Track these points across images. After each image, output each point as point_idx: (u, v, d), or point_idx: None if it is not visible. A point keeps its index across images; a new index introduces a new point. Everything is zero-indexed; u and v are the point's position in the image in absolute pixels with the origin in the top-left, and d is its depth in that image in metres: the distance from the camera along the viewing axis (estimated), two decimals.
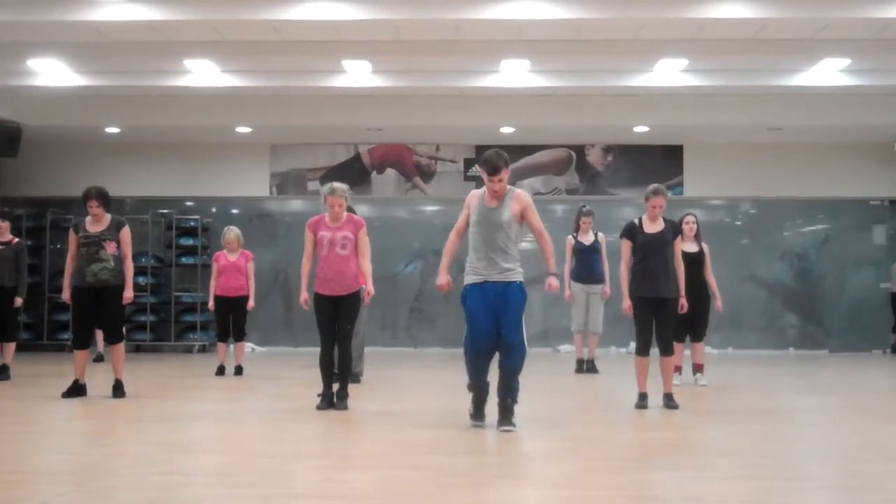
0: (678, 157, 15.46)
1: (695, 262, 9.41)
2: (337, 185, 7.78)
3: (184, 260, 15.21)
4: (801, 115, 13.70)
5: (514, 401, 6.64)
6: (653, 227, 7.94)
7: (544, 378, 10.54)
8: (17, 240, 10.31)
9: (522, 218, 6.72)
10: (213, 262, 11.02)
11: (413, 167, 15.60)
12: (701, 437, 6.76)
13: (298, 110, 13.85)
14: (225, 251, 10.93)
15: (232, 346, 10.98)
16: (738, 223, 15.75)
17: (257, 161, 15.61)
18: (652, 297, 7.81)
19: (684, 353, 9.61)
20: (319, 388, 7.82)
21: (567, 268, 11.15)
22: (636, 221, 8.02)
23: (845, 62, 11.87)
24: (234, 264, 10.82)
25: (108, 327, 8.52)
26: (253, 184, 15.61)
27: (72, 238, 8.51)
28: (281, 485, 4.81)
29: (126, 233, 8.50)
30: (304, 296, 7.76)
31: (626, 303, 7.89)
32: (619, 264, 8.06)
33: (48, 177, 15.47)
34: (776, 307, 15.46)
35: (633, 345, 8.34)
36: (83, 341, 8.54)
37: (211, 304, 10.94)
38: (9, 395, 8.93)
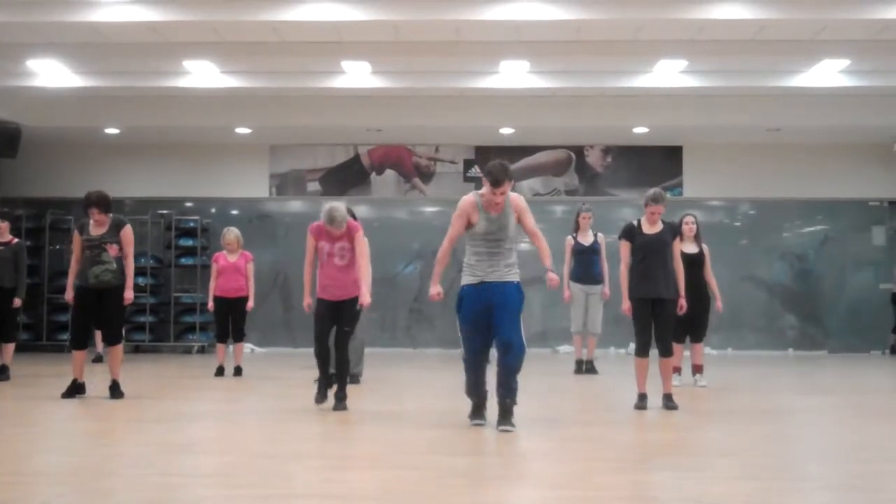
0: (677, 158, 15.47)
1: (694, 263, 9.41)
2: (337, 214, 7.61)
3: (183, 261, 15.22)
4: (801, 115, 13.71)
5: (514, 401, 6.63)
6: (652, 228, 7.96)
7: (543, 379, 10.54)
8: (16, 240, 10.31)
9: (518, 221, 6.75)
10: (212, 263, 11.02)
11: (412, 168, 15.61)
12: (700, 437, 6.76)
13: (298, 111, 13.85)
14: (224, 252, 10.93)
15: (231, 347, 10.98)
16: (738, 224, 15.76)
17: (257, 162, 15.61)
18: (651, 298, 7.82)
19: (684, 353, 9.62)
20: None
21: (566, 268, 11.15)
22: (635, 223, 8.04)
23: (845, 63, 11.88)
24: (233, 265, 10.82)
25: (107, 328, 8.52)
26: (252, 185, 15.61)
27: (76, 239, 8.51)
28: (280, 485, 4.81)
29: (127, 232, 8.48)
30: (308, 300, 7.84)
31: (626, 304, 7.90)
32: (618, 265, 8.06)
33: (48, 177, 15.47)
34: (775, 308, 15.47)
35: (632, 346, 8.34)
36: (81, 342, 8.54)
37: (210, 304, 10.94)
38: (8, 396, 8.92)
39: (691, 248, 9.53)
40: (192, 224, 15.18)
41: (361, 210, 14.75)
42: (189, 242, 15.17)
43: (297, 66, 12.21)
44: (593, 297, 11.17)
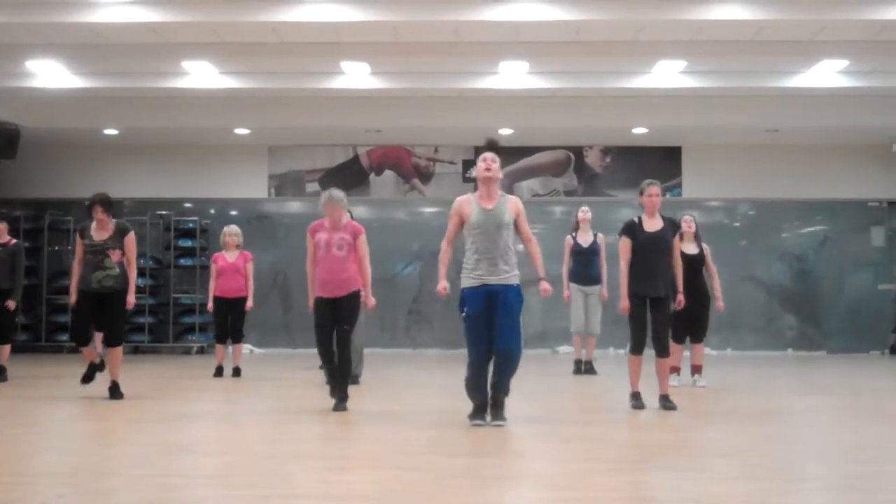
0: (677, 159, 15.48)
1: (694, 264, 9.42)
2: (335, 192, 7.82)
3: (182, 262, 15.21)
4: (800, 116, 13.72)
5: (506, 393, 6.83)
6: (652, 225, 7.90)
7: (543, 379, 10.55)
8: (14, 241, 10.30)
9: (515, 222, 6.79)
10: (211, 264, 11.01)
11: (411, 169, 15.61)
12: (699, 437, 6.77)
13: (297, 112, 13.86)
14: (224, 252, 10.92)
15: (230, 348, 10.97)
16: (737, 224, 15.76)
17: (256, 163, 15.61)
18: (649, 297, 7.81)
19: (683, 354, 9.62)
20: (317, 389, 7.82)
21: (565, 268, 11.15)
22: (636, 220, 7.99)
23: (843, 64, 11.89)
24: (233, 265, 10.82)
25: (108, 330, 8.52)
26: (251, 185, 15.62)
27: (79, 243, 8.52)
28: (280, 486, 4.81)
29: (130, 239, 8.53)
30: (312, 302, 7.83)
31: (624, 303, 7.86)
32: (617, 266, 8.04)
33: (47, 178, 15.46)
34: (774, 308, 15.48)
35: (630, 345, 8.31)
36: (84, 339, 8.56)
37: (210, 305, 10.93)
38: (7, 397, 8.92)
39: (691, 249, 9.53)
40: (191, 225, 15.18)
41: (361, 211, 14.79)
42: (188, 243, 15.17)
43: (296, 66, 12.21)
44: (592, 297, 11.16)
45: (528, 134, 14.63)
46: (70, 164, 15.44)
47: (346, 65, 11.91)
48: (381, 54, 11.43)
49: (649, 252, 7.82)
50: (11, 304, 10.04)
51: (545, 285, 6.76)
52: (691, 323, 9.33)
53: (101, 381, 8.85)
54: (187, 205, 15.61)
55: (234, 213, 15.49)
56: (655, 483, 5.10)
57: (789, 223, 15.69)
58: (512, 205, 6.79)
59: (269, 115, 13.95)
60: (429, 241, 14.95)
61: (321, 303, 7.73)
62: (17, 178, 15.26)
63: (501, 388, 6.77)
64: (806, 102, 13.47)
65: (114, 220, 8.55)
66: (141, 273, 14.13)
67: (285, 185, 15.69)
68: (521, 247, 6.89)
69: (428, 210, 15.81)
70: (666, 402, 7.78)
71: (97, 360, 8.64)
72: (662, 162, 15.41)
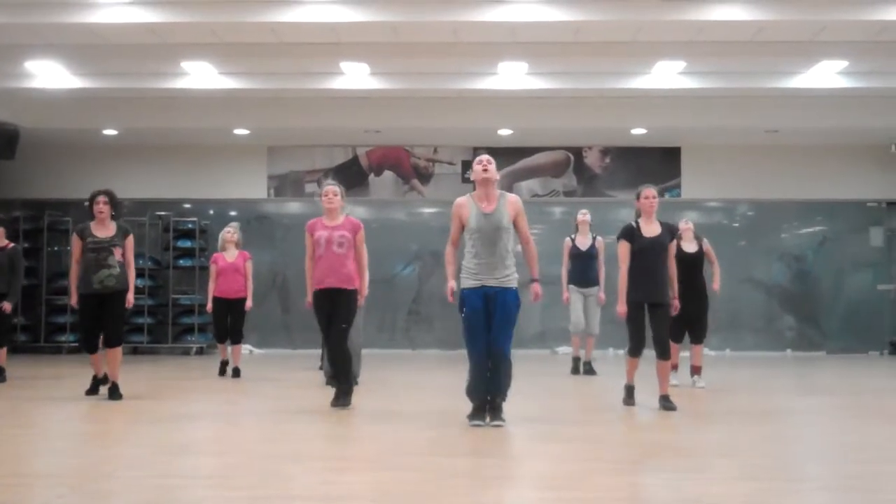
0: (676, 159, 15.48)
1: (694, 263, 9.43)
2: (331, 181, 8.00)
3: (181, 262, 15.20)
4: (799, 117, 13.72)
5: (504, 398, 6.85)
6: (651, 230, 7.90)
7: (542, 379, 10.55)
8: (12, 245, 10.30)
9: (514, 221, 6.80)
10: (210, 265, 11.00)
11: (411, 169, 15.61)
12: (699, 438, 6.76)
13: (296, 112, 13.86)
14: (223, 253, 10.91)
15: (229, 349, 10.97)
16: (736, 225, 15.76)
17: (255, 163, 15.61)
18: (647, 302, 7.81)
19: (682, 353, 9.63)
20: (317, 390, 7.82)
21: (564, 270, 11.15)
22: (634, 224, 7.99)
23: (843, 64, 11.90)
24: (232, 265, 10.81)
25: (108, 331, 8.52)
26: (250, 186, 15.61)
27: (76, 243, 8.52)
28: (279, 486, 4.81)
29: (131, 240, 8.60)
30: (310, 298, 7.83)
31: (622, 308, 7.82)
32: (615, 268, 8.03)
33: (46, 179, 15.46)
34: (774, 309, 15.48)
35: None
36: (93, 346, 8.60)
37: (209, 305, 10.92)
38: (6, 397, 8.91)
39: (691, 248, 9.53)
40: (190, 225, 15.17)
41: (360, 211, 14.79)
42: (187, 244, 15.16)
43: (295, 67, 12.21)
44: (591, 298, 11.16)
45: (528, 134, 14.64)
46: (69, 164, 15.44)
47: (345, 65, 11.91)
48: (381, 55, 11.43)
49: (648, 257, 7.81)
50: (7, 307, 10.03)
51: (536, 289, 6.83)
52: (691, 323, 9.32)
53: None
54: (186, 205, 15.61)
55: (233, 213, 15.48)
56: (655, 483, 5.10)
57: (788, 224, 15.69)
58: (511, 205, 6.80)
59: (268, 115, 13.95)
60: (428, 241, 14.96)
61: (319, 297, 7.71)
62: (17, 179, 15.26)
63: (498, 392, 6.80)
64: (805, 103, 13.48)
65: (115, 222, 8.57)
66: (140, 274, 14.13)
67: (285, 185, 15.69)
68: (518, 247, 6.89)
69: (427, 211, 15.81)
70: (666, 403, 7.79)
71: (101, 374, 8.67)
72: (662, 162, 15.41)
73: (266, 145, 15.55)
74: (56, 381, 10.52)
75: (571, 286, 11.14)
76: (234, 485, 4.86)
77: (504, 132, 14.47)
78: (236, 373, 10.79)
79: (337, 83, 12.66)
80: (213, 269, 10.89)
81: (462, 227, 6.83)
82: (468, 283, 6.75)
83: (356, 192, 15.24)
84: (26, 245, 14.51)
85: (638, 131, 14.50)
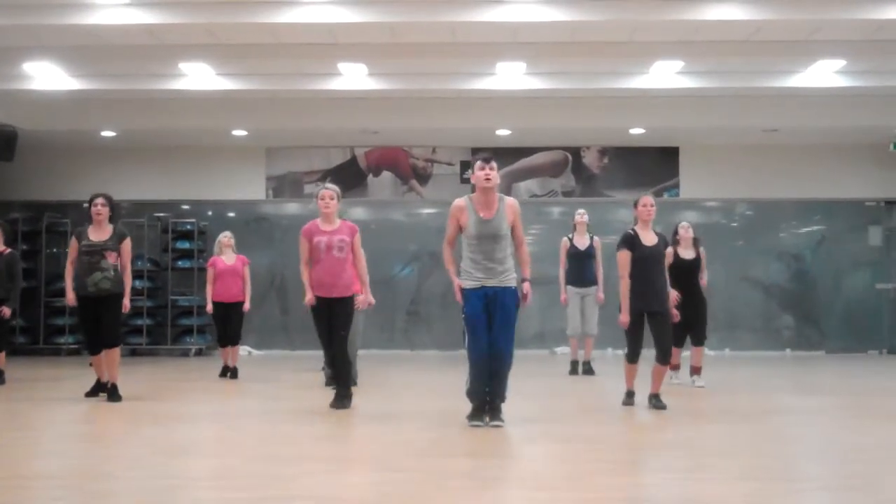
0: (674, 159, 15.48)
1: (692, 270, 9.49)
2: (328, 184, 8.03)
3: (180, 264, 15.18)
4: (797, 116, 13.72)
5: (503, 399, 6.86)
6: (649, 239, 7.91)
7: (541, 380, 10.55)
8: (9, 250, 10.29)
9: (511, 224, 6.84)
10: (208, 268, 10.98)
11: (409, 170, 15.60)
12: (699, 438, 6.76)
13: (294, 113, 13.84)
14: (221, 256, 10.91)
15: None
16: (734, 225, 15.76)
17: (253, 164, 15.59)
18: (647, 311, 7.82)
19: (683, 353, 9.64)
20: (316, 391, 7.82)
21: (562, 271, 11.15)
22: (632, 232, 7.97)
23: (840, 63, 11.89)
24: (231, 268, 10.81)
25: (105, 332, 8.51)
26: (249, 187, 15.60)
27: (73, 245, 8.53)
28: (278, 488, 4.81)
29: (128, 244, 8.59)
30: (310, 296, 7.75)
31: (625, 317, 7.81)
32: (613, 267, 8.03)
33: (44, 181, 15.45)
34: (772, 308, 15.48)
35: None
36: (97, 347, 8.56)
37: (209, 307, 10.90)
38: (5, 399, 8.91)
39: (688, 254, 9.58)
40: (188, 227, 15.15)
41: (358, 212, 14.80)
42: (186, 245, 15.14)
43: (293, 68, 12.20)
44: (588, 298, 11.16)
45: (526, 134, 14.63)
46: (68, 166, 15.42)
47: (343, 66, 11.90)
48: (378, 55, 11.42)
49: (648, 265, 7.82)
50: (6, 311, 10.02)
51: (526, 288, 6.83)
52: (690, 327, 9.36)
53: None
54: (185, 207, 15.59)
55: (231, 214, 15.48)
56: (655, 483, 5.10)
57: (787, 223, 15.68)
58: (510, 210, 6.82)
59: (266, 116, 13.94)
60: (427, 242, 14.95)
61: (319, 305, 7.71)
62: (15, 181, 15.24)
63: (498, 392, 6.81)
64: (803, 102, 13.47)
65: (112, 225, 8.58)
66: (138, 275, 14.14)
67: (283, 186, 15.67)
68: (511, 249, 6.91)
69: (426, 211, 15.80)
70: (656, 402, 7.81)
71: (104, 379, 8.65)
72: (660, 162, 15.41)
73: (264, 146, 15.54)
74: (55, 382, 10.51)
75: (569, 287, 11.13)
76: (233, 486, 4.86)
77: (502, 132, 14.46)
78: (235, 374, 10.79)
79: (335, 84, 12.65)
80: (210, 272, 10.88)
81: (459, 230, 6.84)
82: (468, 283, 6.76)
83: (354, 193, 15.24)
84: (25, 247, 14.51)
85: (636, 131, 14.50)
